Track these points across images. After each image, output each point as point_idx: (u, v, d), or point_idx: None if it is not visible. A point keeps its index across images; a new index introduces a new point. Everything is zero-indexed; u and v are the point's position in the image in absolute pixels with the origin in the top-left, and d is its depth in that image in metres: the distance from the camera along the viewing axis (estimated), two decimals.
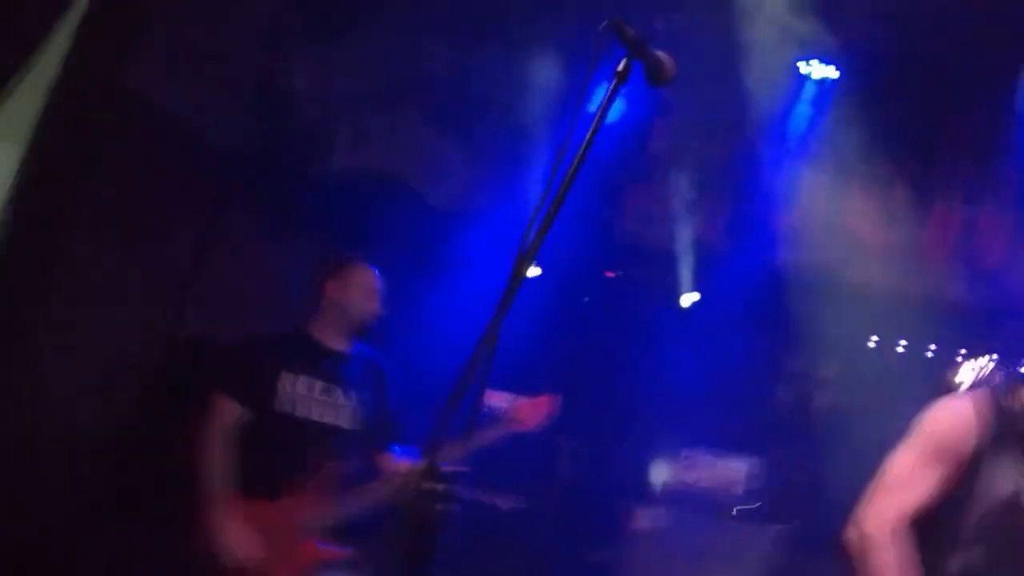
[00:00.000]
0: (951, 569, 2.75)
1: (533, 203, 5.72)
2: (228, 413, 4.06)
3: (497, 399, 5.04)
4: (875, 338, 6.36)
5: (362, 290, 4.31)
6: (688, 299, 6.65)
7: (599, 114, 2.38)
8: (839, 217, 6.42)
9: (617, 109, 6.24)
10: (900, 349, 6.29)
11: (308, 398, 4.17)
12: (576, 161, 2.27)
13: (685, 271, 6.48)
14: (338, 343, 4.32)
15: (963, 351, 5.25)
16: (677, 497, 5.78)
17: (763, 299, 6.21)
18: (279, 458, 4.03)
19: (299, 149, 5.69)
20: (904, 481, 2.81)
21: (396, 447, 4.35)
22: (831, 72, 6.37)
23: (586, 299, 6.74)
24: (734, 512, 5.72)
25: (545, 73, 5.98)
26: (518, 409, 4.38)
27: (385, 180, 6.00)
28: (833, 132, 6.43)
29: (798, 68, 6.38)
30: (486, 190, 6.23)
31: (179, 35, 4.73)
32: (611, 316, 6.71)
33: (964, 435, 2.80)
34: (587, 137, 2.35)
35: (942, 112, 6.29)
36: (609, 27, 2.44)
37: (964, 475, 2.78)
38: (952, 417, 2.86)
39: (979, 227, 6.47)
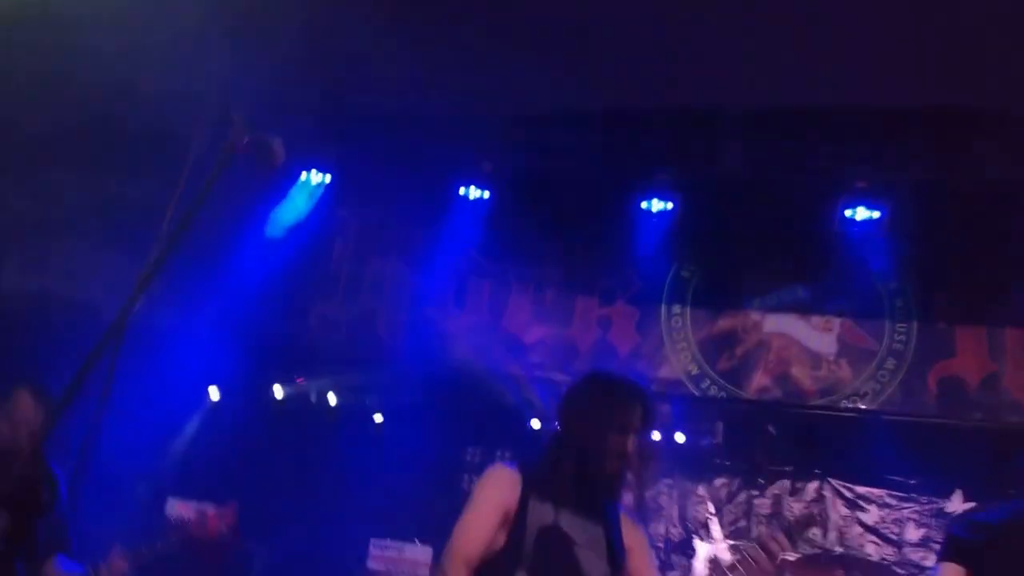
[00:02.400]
0: None
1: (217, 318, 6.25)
2: None
3: (183, 508, 5.33)
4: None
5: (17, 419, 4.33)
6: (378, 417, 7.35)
7: (206, 187, 2.60)
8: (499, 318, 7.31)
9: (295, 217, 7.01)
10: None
11: None
12: (177, 228, 2.54)
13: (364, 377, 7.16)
14: None
15: None
16: None
17: (441, 399, 6.93)
18: None
19: None
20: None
21: (63, 558, 4.33)
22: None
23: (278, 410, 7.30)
24: None
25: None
26: (202, 517, 4.61)
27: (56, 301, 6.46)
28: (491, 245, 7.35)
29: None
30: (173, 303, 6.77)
31: None
32: (299, 423, 7.31)
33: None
34: (192, 207, 2.57)
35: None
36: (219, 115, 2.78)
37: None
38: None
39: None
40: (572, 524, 3.52)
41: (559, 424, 3.67)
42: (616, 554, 3.58)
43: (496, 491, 3.56)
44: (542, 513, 3.50)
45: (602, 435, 3.52)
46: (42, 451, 4.33)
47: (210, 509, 4.77)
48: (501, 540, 3.51)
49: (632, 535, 3.69)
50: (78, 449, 4.79)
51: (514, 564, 3.43)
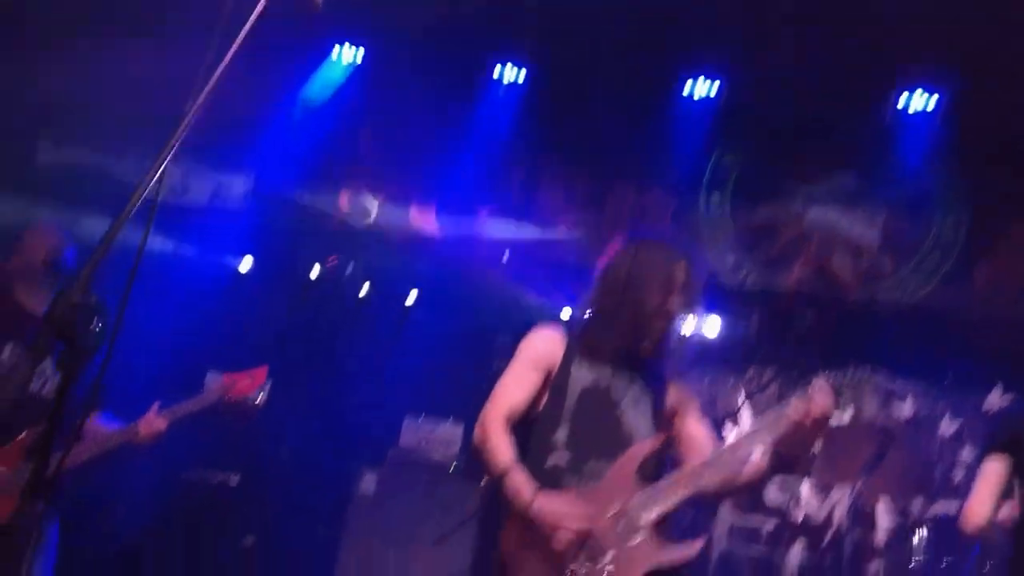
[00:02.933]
0: None
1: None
2: None
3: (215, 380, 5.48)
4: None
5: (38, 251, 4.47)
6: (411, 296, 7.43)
7: (245, 33, 2.36)
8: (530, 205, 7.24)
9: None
10: None
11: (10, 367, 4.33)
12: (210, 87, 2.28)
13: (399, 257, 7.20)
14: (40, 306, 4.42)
15: None
16: (402, 461, 6.40)
17: (470, 278, 6.93)
18: None
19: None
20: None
21: (104, 414, 4.54)
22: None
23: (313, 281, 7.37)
24: (451, 470, 6.39)
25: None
26: (230, 380, 4.70)
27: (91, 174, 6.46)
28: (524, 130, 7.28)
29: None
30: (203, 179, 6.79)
31: None
32: (331, 301, 7.36)
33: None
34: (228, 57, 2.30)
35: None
36: None
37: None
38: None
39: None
40: (615, 384, 3.54)
41: (602, 285, 3.62)
42: (660, 415, 3.58)
43: (538, 349, 3.58)
44: (585, 373, 3.53)
45: (644, 294, 3.49)
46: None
47: (236, 373, 4.82)
48: (543, 400, 3.52)
49: (679, 396, 3.68)
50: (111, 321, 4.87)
51: (555, 424, 3.47)
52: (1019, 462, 4.17)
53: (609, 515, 3.32)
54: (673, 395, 3.66)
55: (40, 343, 2.11)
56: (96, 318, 1.92)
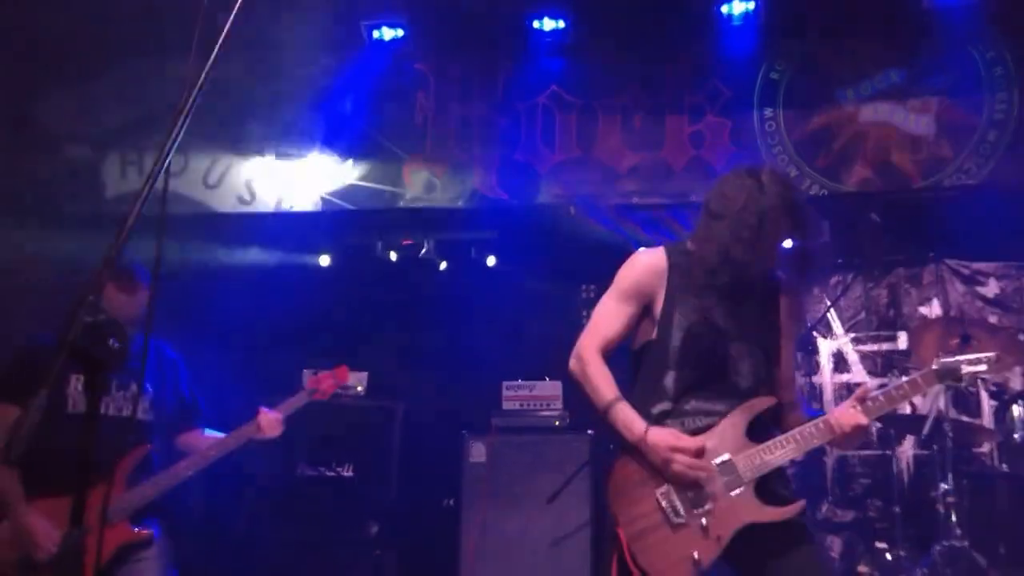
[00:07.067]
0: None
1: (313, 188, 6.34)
2: (6, 417, 4.25)
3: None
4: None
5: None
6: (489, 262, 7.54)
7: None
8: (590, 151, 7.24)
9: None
10: None
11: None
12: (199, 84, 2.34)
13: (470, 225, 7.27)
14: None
15: None
16: (507, 425, 6.52)
17: (548, 238, 6.98)
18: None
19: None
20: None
21: (205, 427, 4.86)
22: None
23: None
24: (556, 424, 6.51)
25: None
26: (315, 381, 5.05)
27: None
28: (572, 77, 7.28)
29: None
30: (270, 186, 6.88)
31: None
32: (413, 283, 7.46)
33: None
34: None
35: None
36: None
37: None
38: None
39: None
40: (724, 314, 3.53)
41: (709, 213, 3.57)
42: (770, 342, 3.61)
43: (635, 278, 3.59)
44: (692, 306, 3.51)
45: (758, 218, 3.43)
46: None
47: (323, 371, 5.17)
48: (651, 332, 3.54)
49: (789, 311, 3.70)
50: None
51: (664, 367, 3.49)
52: None
53: (717, 462, 3.39)
54: (785, 309, 3.68)
55: (59, 367, 2.18)
56: (110, 336, 2.02)
